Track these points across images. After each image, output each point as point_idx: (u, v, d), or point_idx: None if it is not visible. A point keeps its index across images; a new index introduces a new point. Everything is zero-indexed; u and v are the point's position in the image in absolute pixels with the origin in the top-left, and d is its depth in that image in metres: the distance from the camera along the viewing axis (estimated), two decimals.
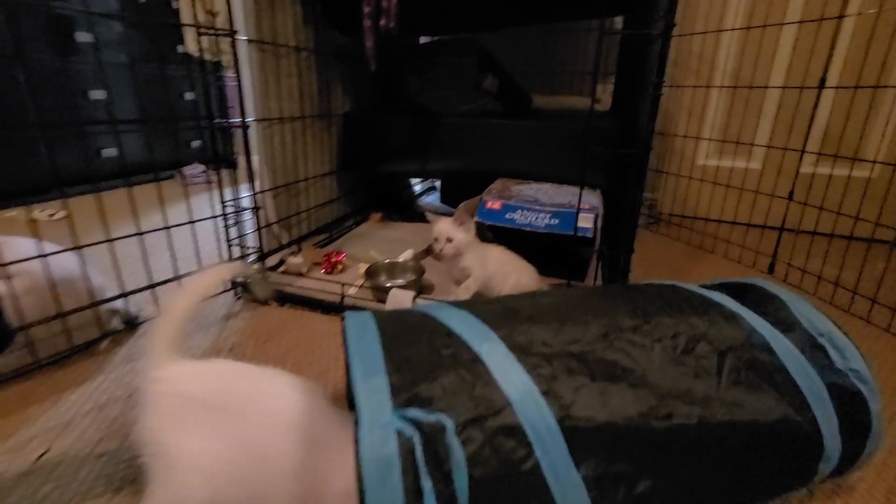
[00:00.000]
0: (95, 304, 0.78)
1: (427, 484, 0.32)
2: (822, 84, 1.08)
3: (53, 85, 1.75)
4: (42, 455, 0.59)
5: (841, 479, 0.58)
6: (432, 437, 0.34)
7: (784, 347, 0.47)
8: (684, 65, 1.59)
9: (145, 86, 2.10)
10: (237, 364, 0.48)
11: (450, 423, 0.34)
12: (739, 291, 0.58)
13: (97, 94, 1.91)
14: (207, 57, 0.91)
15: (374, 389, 0.35)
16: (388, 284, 1.02)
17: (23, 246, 0.74)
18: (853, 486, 0.58)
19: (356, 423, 0.34)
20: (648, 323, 0.46)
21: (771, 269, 1.28)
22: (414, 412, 0.34)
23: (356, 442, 0.33)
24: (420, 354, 0.39)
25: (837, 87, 1.09)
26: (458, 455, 0.33)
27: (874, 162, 1.00)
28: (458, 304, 0.49)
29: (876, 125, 1.35)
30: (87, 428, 0.64)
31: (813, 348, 0.48)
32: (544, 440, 0.36)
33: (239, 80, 0.95)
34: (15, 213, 1.60)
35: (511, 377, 0.38)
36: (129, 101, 2.06)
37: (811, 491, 0.57)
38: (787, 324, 0.51)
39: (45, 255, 0.70)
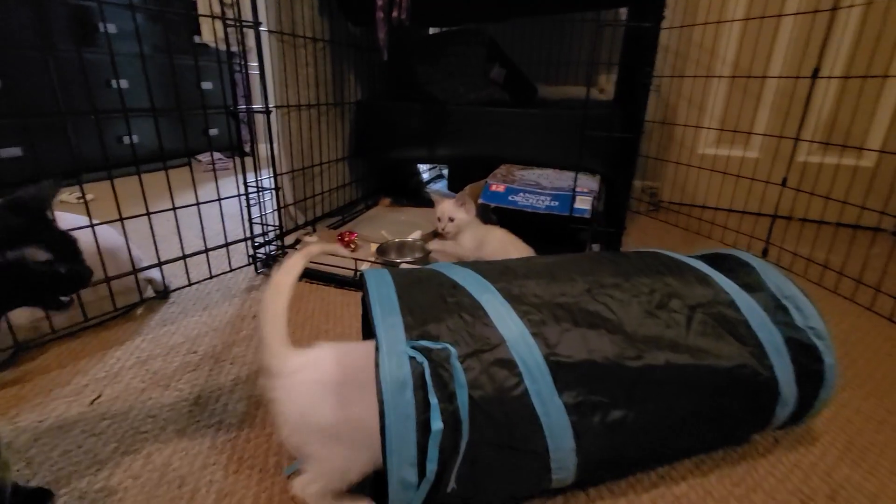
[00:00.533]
0: (136, 270, 0.86)
1: (434, 400, 0.39)
2: (815, 74, 1.13)
3: (77, 75, 1.84)
4: (95, 399, 0.68)
5: (804, 431, 0.65)
6: (439, 363, 0.41)
7: (748, 305, 0.53)
8: (686, 55, 1.64)
9: (165, 76, 2.18)
10: (344, 344, 0.53)
11: (454, 350, 0.41)
12: (717, 260, 0.64)
13: (120, 84, 1.99)
14: (231, 47, 0.97)
15: (390, 325, 0.42)
16: (398, 261, 1.09)
17: (68, 219, 0.82)
18: (816, 438, 0.64)
19: (377, 350, 0.41)
20: (628, 281, 0.53)
21: (764, 254, 1.33)
22: (424, 342, 0.41)
23: (377, 366, 0.40)
24: (429, 301, 0.47)
25: (829, 77, 1.14)
26: (460, 376, 0.40)
27: (860, 149, 1.05)
28: (462, 264, 0.56)
29: (873, 114, 1.39)
30: (132, 379, 0.73)
31: (777, 308, 0.55)
32: (532, 372, 0.43)
33: (262, 69, 1.01)
34: None
35: (506, 321, 0.45)
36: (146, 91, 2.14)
37: (776, 438, 0.63)
38: (754, 286, 0.57)
39: (92, 226, 0.78)
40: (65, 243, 0.46)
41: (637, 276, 0.54)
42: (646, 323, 0.49)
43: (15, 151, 1.70)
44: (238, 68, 0.98)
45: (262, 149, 1.08)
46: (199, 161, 2.34)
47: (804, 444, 0.63)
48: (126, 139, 2.06)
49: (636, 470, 0.57)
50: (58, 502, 0.51)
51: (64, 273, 0.45)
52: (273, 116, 1.11)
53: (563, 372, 0.44)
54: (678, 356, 0.48)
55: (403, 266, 1.02)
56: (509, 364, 0.43)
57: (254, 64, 1.05)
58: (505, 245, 1.03)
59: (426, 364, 0.40)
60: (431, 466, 0.38)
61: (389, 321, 0.43)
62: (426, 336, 0.43)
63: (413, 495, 0.39)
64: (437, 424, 0.38)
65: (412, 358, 0.40)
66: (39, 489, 0.51)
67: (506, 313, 0.46)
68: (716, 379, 0.49)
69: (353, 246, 1.21)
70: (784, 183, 1.26)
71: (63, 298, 0.48)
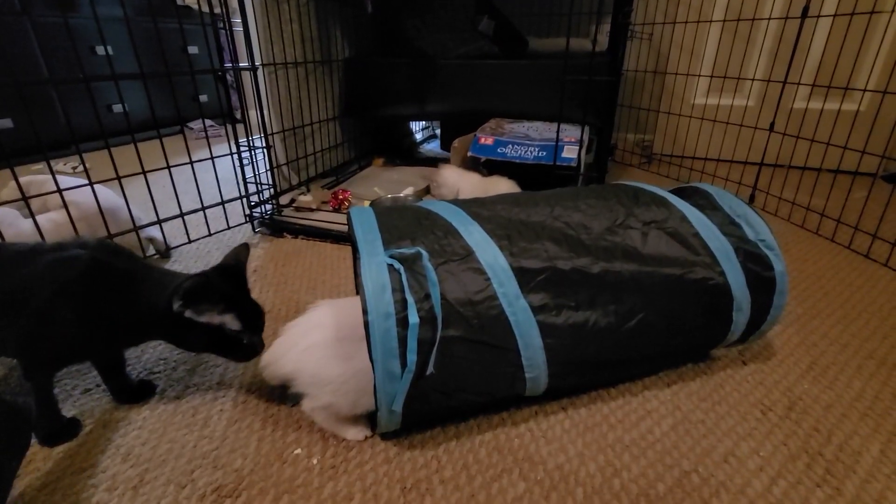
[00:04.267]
0: (136, 228, 0.90)
1: (410, 298, 0.44)
2: (804, 13, 1.12)
3: (58, 42, 1.80)
4: None
5: (771, 354, 0.70)
6: (413, 267, 0.46)
7: (699, 220, 0.58)
8: (677, 0, 1.60)
9: (149, 41, 2.14)
10: (337, 301, 0.57)
11: (425, 253, 0.46)
12: (677, 191, 0.69)
13: (104, 50, 1.95)
14: (214, 8, 0.97)
15: (370, 240, 0.48)
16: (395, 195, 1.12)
17: (67, 181, 0.84)
18: (782, 360, 0.69)
19: (357, 260, 0.46)
20: (587, 204, 0.58)
21: (751, 199, 1.35)
22: (399, 250, 0.47)
23: (360, 274, 0.45)
24: (405, 223, 0.52)
25: (818, 16, 1.12)
26: (431, 275, 0.45)
27: (845, 89, 1.05)
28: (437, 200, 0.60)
29: (862, 56, 1.38)
30: None
31: (731, 224, 0.59)
32: (499, 276, 0.48)
33: (246, 26, 1.01)
34: (41, 166, 1.71)
35: (474, 235, 0.50)
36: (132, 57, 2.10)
37: (745, 361, 0.68)
38: (709, 207, 0.62)
39: (91, 184, 0.81)
40: (255, 316, 0.55)
41: (596, 199, 0.58)
42: (604, 237, 0.54)
43: (6, 123, 1.70)
44: (221, 26, 0.97)
45: (253, 114, 1.09)
46: (191, 129, 2.33)
47: (770, 365, 0.68)
48: (115, 108, 2.05)
49: (606, 378, 0.62)
50: (85, 429, 0.56)
51: (245, 343, 0.54)
52: (260, 75, 1.11)
53: (527, 276, 0.49)
54: (634, 264, 0.53)
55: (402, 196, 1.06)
56: (478, 271, 0.48)
57: (237, 20, 1.04)
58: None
59: (402, 269, 0.45)
60: (411, 357, 0.43)
61: (369, 237, 0.48)
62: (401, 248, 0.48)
63: (397, 385, 0.44)
64: (413, 318, 0.43)
65: (390, 265, 0.45)
66: (69, 419, 0.56)
67: (474, 230, 0.51)
68: (670, 284, 0.54)
69: (346, 203, 1.23)
70: (771, 128, 1.27)
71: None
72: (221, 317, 0.52)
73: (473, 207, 0.54)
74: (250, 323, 0.55)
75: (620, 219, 0.55)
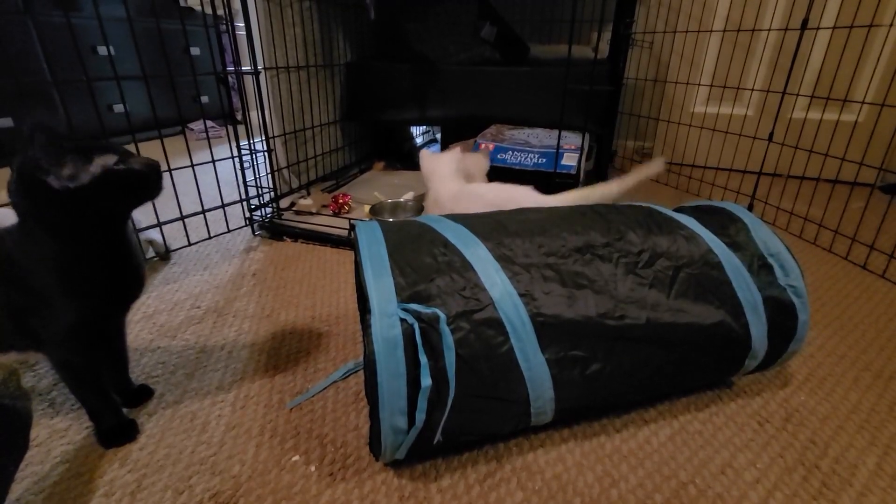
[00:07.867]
0: (136, 230, 0.90)
1: (424, 359, 0.42)
2: (804, 25, 1.12)
3: (59, 42, 1.81)
4: None
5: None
6: (429, 326, 0.43)
7: (733, 266, 0.55)
8: (678, 9, 1.61)
9: (151, 42, 2.14)
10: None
11: (443, 315, 0.43)
12: (710, 213, 0.65)
13: (105, 50, 1.96)
14: (216, 10, 0.97)
15: (382, 287, 0.44)
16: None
17: None
18: (779, 371, 0.69)
19: (369, 312, 0.43)
20: (619, 240, 0.54)
21: (750, 208, 1.36)
22: (415, 306, 0.44)
23: (369, 326, 0.43)
24: (420, 260, 0.48)
25: (818, 28, 1.13)
26: (448, 339, 0.43)
27: (843, 101, 1.06)
28: (454, 218, 0.57)
29: (860, 68, 1.39)
30: (140, 331, 0.77)
31: (761, 267, 0.56)
32: (518, 331, 0.46)
33: (248, 30, 1.01)
34: None
35: (495, 281, 0.47)
36: (134, 57, 2.10)
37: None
38: (742, 245, 0.58)
39: None
40: (111, 146, 0.46)
41: (627, 235, 0.55)
42: (630, 283, 0.51)
43: (6, 122, 1.70)
44: (224, 29, 0.98)
45: (254, 116, 1.09)
46: (192, 129, 2.33)
47: (767, 376, 0.68)
48: (115, 108, 2.05)
49: (609, 411, 0.62)
50: (82, 434, 0.56)
51: (139, 169, 0.46)
52: (262, 78, 1.11)
53: (547, 330, 0.47)
54: (658, 314, 0.50)
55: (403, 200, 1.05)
56: (497, 324, 0.45)
57: (240, 24, 1.04)
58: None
59: (416, 326, 0.42)
60: (421, 416, 0.42)
61: (381, 283, 0.44)
62: (417, 297, 0.45)
63: (403, 438, 0.44)
64: (426, 381, 0.41)
65: (403, 319, 0.43)
66: (129, 420, 0.57)
67: (495, 274, 0.48)
68: (692, 336, 0.52)
69: (346, 208, 1.23)
70: (770, 138, 1.28)
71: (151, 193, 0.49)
72: (88, 164, 0.42)
73: (493, 240, 0.51)
74: (118, 150, 0.45)
75: (651, 259, 0.53)
